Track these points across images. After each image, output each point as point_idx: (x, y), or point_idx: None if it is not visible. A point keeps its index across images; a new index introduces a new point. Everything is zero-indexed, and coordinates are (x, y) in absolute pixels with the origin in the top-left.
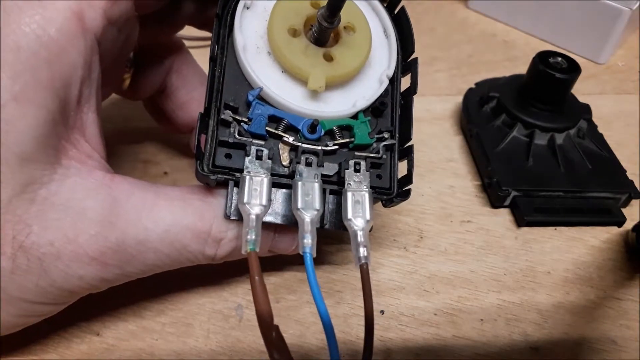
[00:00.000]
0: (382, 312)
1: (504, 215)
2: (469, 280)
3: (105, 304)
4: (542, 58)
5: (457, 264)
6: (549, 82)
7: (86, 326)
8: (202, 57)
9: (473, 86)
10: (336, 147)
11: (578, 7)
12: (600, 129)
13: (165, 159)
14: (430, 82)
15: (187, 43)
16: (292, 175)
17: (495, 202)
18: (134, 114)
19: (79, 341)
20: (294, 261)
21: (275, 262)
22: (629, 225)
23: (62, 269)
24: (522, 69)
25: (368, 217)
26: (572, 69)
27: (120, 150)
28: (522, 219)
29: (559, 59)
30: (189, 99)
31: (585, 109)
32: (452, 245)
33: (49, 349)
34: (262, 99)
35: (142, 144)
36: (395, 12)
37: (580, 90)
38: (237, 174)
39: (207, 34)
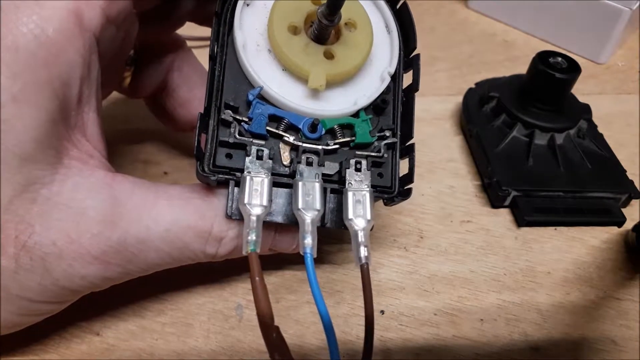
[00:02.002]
0: (382, 312)
1: (504, 215)
2: (469, 280)
3: (105, 304)
4: (542, 58)
5: (457, 264)
6: (549, 82)
7: (86, 326)
8: (203, 57)
9: (473, 86)
10: (337, 146)
11: (578, 7)
12: (600, 129)
13: (166, 159)
14: (430, 82)
15: (189, 43)
16: (292, 175)
17: (495, 202)
18: (134, 113)
19: (79, 341)
20: (294, 261)
21: (275, 262)
22: (629, 225)
23: (64, 268)
24: (522, 69)
25: (369, 217)
26: (572, 69)
27: (120, 150)
28: (522, 219)
29: (559, 59)
30: (190, 96)
31: (585, 109)
32: (452, 245)
33: (49, 349)
34: (263, 98)
35: (142, 144)
36: (398, 7)
37: (580, 90)
38: (238, 174)
39: (209, 34)
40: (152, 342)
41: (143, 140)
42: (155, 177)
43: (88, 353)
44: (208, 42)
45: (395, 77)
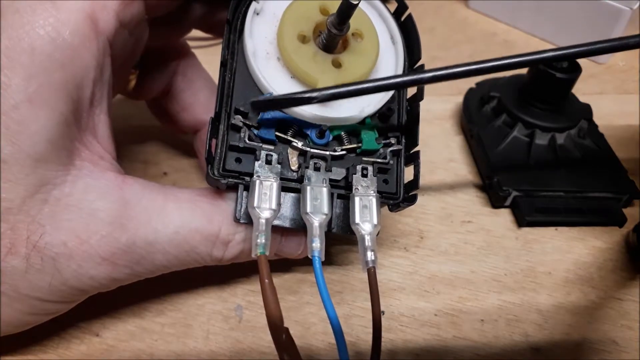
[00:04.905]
0: (383, 312)
1: (504, 216)
2: (470, 280)
3: (104, 305)
4: None
5: (458, 264)
6: (550, 82)
7: (85, 327)
8: (203, 57)
9: (473, 86)
10: (344, 152)
11: (578, 7)
12: (601, 129)
13: (165, 159)
14: None
15: (190, 43)
16: (300, 180)
17: (495, 202)
18: (134, 113)
19: (79, 342)
20: (294, 262)
21: (275, 264)
22: (629, 225)
23: (74, 268)
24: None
25: (375, 221)
26: (573, 68)
27: (119, 150)
28: (522, 219)
29: None
30: (194, 101)
31: (586, 109)
32: (452, 246)
33: (49, 350)
34: None
35: (142, 144)
36: (402, 19)
37: (581, 90)
38: (247, 178)
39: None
40: (152, 342)
41: (142, 141)
42: (155, 177)
43: (87, 354)
44: (208, 43)
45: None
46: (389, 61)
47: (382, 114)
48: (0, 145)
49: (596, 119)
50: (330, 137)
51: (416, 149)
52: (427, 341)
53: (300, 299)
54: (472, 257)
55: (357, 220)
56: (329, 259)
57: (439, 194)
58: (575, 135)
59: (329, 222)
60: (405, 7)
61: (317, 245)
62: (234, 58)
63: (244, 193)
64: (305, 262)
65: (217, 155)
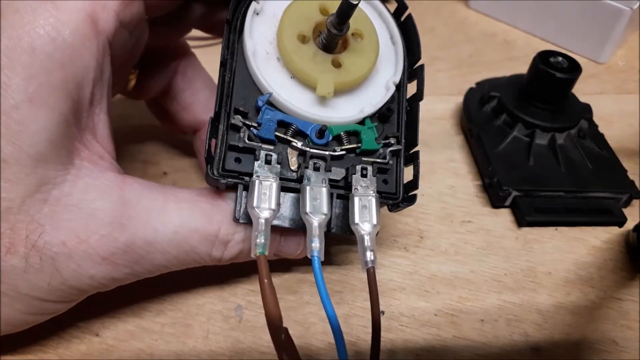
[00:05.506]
0: (383, 312)
1: (504, 216)
2: (470, 280)
3: (104, 305)
4: (543, 58)
5: (458, 264)
6: (550, 82)
7: (85, 327)
8: (203, 57)
9: (473, 86)
10: (344, 152)
11: (579, 7)
12: (601, 129)
13: (165, 159)
14: (430, 82)
15: (190, 43)
16: (300, 180)
17: (495, 202)
18: (133, 113)
19: (78, 342)
20: (294, 262)
21: (275, 263)
22: (630, 225)
23: (73, 268)
24: (523, 68)
25: (375, 221)
26: (573, 68)
27: (119, 150)
28: (522, 219)
29: (560, 58)
30: (194, 100)
31: (586, 109)
32: (452, 246)
33: (48, 349)
34: (271, 104)
35: (142, 144)
36: (402, 19)
37: (581, 90)
38: (247, 178)
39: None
40: (152, 342)
41: (142, 140)
42: (155, 177)
43: (87, 353)
44: (208, 42)
45: (400, 87)
46: (389, 61)
47: (382, 114)
48: (0, 145)
49: (596, 119)
50: (330, 137)
51: (416, 149)
52: (427, 341)
53: (300, 299)
54: (472, 257)
55: (357, 220)
56: (329, 259)
57: (439, 194)
58: (575, 135)
59: (329, 222)
60: (405, 7)
61: (316, 245)
62: (233, 58)
63: (244, 193)
64: (305, 262)
65: (217, 155)
